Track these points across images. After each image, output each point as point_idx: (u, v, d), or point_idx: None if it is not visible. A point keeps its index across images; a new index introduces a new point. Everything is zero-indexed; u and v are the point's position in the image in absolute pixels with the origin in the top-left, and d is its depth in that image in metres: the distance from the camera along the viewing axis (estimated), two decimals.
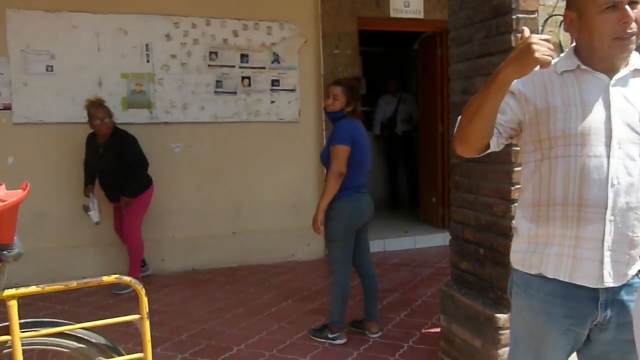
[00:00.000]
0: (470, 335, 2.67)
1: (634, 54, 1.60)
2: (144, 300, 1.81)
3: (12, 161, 4.57)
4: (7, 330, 1.66)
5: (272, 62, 5.25)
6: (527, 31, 1.44)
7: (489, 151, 1.63)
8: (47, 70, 4.60)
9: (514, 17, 2.53)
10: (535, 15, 2.58)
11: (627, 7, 1.46)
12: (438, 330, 3.03)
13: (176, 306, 3.94)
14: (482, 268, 2.70)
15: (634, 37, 1.49)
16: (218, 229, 5.06)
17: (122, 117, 4.70)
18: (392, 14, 5.61)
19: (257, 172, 5.19)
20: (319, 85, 5.31)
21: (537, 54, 1.38)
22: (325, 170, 3.27)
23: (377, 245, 5.45)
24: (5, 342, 1.66)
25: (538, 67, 1.48)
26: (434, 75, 6.00)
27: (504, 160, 2.55)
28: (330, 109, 3.26)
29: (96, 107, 4.20)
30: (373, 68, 7.62)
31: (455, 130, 1.65)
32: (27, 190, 1.26)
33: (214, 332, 3.44)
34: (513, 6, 2.54)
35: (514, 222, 1.71)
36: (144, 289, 1.82)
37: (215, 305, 3.94)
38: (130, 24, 4.81)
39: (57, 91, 4.62)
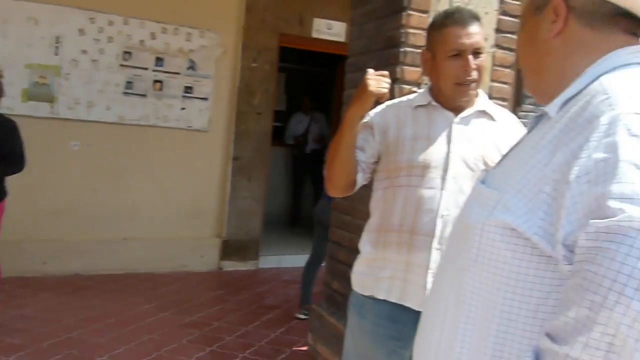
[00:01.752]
0: (331, 354, 2.68)
1: (482, 95, 1.70)
2: None
3: None
4: None
5: (188, 68, 5.16)
6: (369, 71, 1.53)
7: (357, 187, 1.70)
8: None
9: (401, 50, 2.62)
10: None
11: (470, 56, 1.56)
12: (306, 348, 3.03)
13: (47, 312, 3.71)
14: (350, 289, 2.73)
15: (474, 84, 1.59)
16: (109, 233, 4.85)
17: (19, 108, 4.44)
18: (314, 35, 5.69)
19: (157, 178, 5.04)
20: (233, 97, 5.28)
21: (371, 88, 1.48)
22: None
23: (272, 261, 5.44)
24: None
25: (383, 100, 1.59)
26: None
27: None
28: None
29: None
30: (300, 86, 7.67)
31: (324, 173, 1.73)
32: None
33: (79, 341, 3.26)
34: (402, 39, 2.63)
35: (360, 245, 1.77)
36: None
37: (88, 313, 3.74)
38: (42, 13, 4.59)
39: None
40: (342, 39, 5.75)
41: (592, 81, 0.84)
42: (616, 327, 0.62)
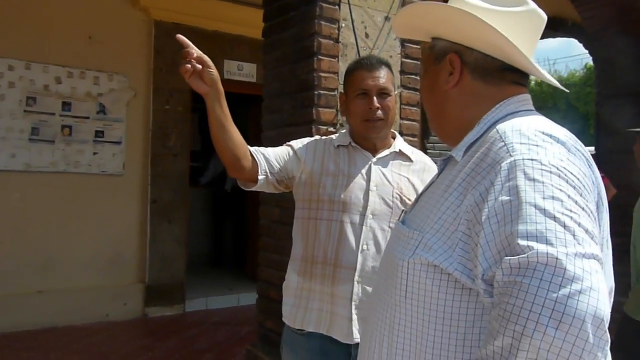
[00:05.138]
0: None
1: (398, 138, 1.87)
2: None
3: None
4: None
5: (98, 112, 5.06)
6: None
7: (257, 187, 1.74)
8: None
9: (315, 92, 2.78)
10: (335, 92, 2.86)
11: (375, 97, 1.73)
12: None
13: None
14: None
15: (380, 122, 1.74)
16: (21, 287, 4.58)
17: None
18: (226, 76, 5.77)
19: (72, 226, 4.85)
20: (147, 139, 5.23)
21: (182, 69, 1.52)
22: None
23: (199, 303, 5.35)
24: None
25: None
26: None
27: None
28: None
29: None
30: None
31: None
32: None
33: None
34: (315, 83, 2.79)
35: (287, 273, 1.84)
36: None
37: None
38: None
39: None
40: (253, 79, 5.90)
41: (489, 128, 0.96)
42: (536, 352, 0.70)
